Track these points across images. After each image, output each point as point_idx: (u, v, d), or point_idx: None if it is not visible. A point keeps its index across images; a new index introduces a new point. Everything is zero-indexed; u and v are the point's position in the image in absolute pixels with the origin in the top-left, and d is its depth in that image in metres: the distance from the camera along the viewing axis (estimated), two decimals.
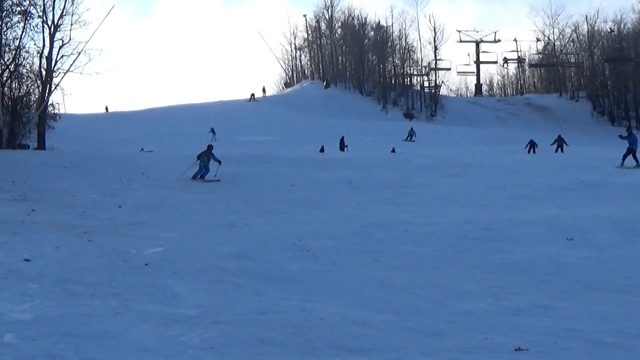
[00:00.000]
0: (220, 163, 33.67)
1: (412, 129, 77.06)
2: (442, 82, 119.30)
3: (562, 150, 55.85)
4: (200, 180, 32.96)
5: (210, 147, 34.88)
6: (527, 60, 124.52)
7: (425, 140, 70.41)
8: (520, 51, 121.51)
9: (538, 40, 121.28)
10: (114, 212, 23.78)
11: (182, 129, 78.07)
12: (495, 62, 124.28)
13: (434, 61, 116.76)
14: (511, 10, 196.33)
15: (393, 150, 53.66)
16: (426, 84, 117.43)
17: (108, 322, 9.97)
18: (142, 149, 59.29)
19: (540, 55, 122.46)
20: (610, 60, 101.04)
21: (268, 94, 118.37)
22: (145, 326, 9.87)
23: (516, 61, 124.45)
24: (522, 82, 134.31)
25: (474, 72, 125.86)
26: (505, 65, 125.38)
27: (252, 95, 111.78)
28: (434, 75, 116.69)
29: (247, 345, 9.10)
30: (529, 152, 55.02)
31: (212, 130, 72.29)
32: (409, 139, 74.40)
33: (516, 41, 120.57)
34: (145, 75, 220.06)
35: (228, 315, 10.54)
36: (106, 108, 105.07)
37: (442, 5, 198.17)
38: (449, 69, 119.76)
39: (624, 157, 34.83)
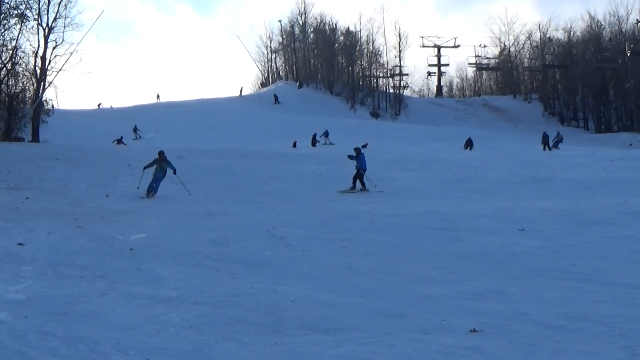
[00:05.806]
0: (175, 172, 26.27)
1: (559, 133, 64.45)
2: (407, 84, 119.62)
3: (470, 149, 56.92)
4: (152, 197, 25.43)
5: (162, 153, 26.80)
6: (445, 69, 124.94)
7: (390, 137, 70.31)
8: (478, 56, 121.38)
9: (496, 46, 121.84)
10: (102, 200, 23.71)
11: (165, 124, 77.64)
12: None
13: (397, 66, 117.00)
14: (471, 18, 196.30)
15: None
16: (391, 85, 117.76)
17: (95, 302, 9.96)
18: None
19: (496, 60, 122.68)
20: (636, 53, 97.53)
21: (245, 93, 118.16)
22: (129, 306, 9.87)
23: (436, 71, 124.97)
24: (479, 84, 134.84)
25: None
26: (429, 77, 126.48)
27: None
28: (398, 78, 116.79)
29: (224, 325, 9.13)
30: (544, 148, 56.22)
31: (135, 129, 67.19)
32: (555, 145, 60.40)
33: (475, 47, 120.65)
34: (135, 74, 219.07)
35: (207, 296, 10.54)
36: (98, 105, 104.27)
37: (407, 13, 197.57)
38: (407, 74, 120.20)
39: (354, 179, 29.36)
